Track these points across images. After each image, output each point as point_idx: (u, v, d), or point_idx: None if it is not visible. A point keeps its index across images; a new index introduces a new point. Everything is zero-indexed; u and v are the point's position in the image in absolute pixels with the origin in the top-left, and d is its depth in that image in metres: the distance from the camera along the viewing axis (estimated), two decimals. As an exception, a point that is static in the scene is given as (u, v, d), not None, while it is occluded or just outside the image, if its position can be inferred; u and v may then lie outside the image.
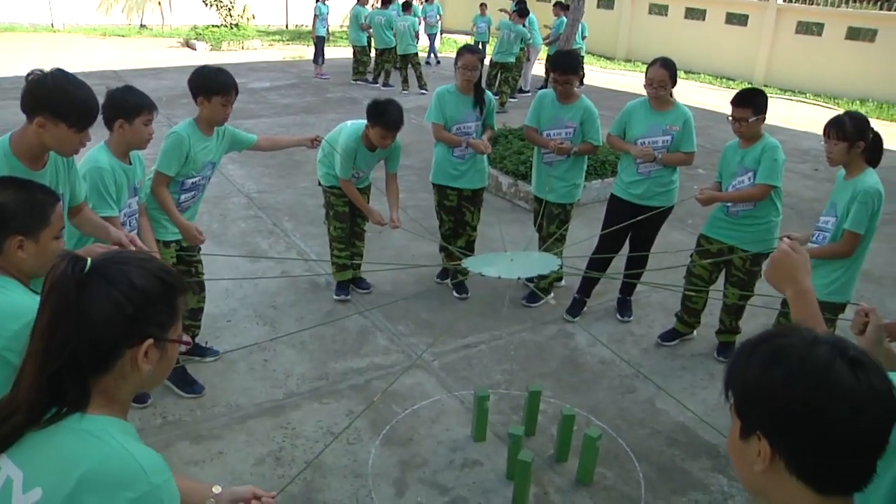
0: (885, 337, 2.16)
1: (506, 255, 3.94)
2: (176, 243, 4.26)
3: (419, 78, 14.31)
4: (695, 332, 5.22)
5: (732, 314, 4.94)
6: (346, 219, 5.41)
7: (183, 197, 4.22)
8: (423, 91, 14.05)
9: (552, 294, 5.74)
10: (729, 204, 4.67)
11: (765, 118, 4.46)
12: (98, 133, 3.64)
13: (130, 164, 3.75)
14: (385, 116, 4.88)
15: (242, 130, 4.67)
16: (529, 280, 5.67)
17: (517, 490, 3.56)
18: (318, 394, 4.41)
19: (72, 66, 2.97)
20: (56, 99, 2.73)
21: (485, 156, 5.54)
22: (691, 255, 5.01)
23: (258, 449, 3.91)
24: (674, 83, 4.89)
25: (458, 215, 5.75)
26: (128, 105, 3.61)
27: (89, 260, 1.44)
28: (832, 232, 4.01)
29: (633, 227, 4.96)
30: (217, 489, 1.83)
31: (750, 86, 15.36)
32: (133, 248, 2.96)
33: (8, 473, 1.41)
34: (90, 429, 1.40)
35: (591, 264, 5.34)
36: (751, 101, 4.40)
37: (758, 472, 1.20)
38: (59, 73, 2.79)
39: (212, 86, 4.06)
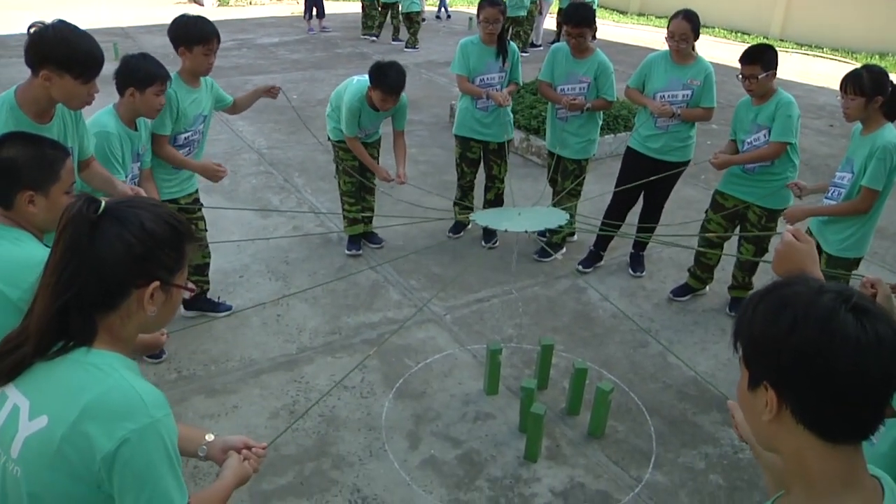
0: (894, 306, 2.15)
1: (514, 210, 3.93)
2: (173, 202, 4.23)
3: (412, 34, 14.01)
4: (707, 287, 5.20)
5: (746, 270, 4.91)
6: (356, 174, 5.39)
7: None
8: (412, 48, 13.83)
9: (564, 249, 5.72)
10: (745, 166, 4.62)
11: (775, 74, 4.38)
12: (106, 89, 3.63)
13: (136, 130, 3.73)
14: (385, 80, 4.81)
15: (251, 86, 4.63)
16: (542, 234, 5.67)
17: (529, 442, 3.59)
18: (331, 348, 4.43)
19: (77, 23, 2.92)
20: (59, 50, 2.69)
21: (509, 108, 5.50)
22: (706, 211, 4.97)
23: (272, 402, 3.95)
24: (696, 36, 4.79)
25: (485, 169, 5.77)
26: (141, 74, 3.58)
27: (103, 201, 1.49)
28: (848, 188, 3.95)
29: (648, 182, 4.92)
30: (210, 437, 1.88)
31: (766, 40, 15.11)
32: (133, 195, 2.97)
33: (15, 402, 1.49)
34: (95, 362, 1.47)
35: (606, 218, 5.35)
36: (760, 58, 4.31)
37: (766, 422, 1.20)
38: (61, 24, 2.75)
39: (192, 35, 3.98)
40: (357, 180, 5.41)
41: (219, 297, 4.82)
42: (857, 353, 1.10)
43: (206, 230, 4.52)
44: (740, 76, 4.37)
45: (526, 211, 3.89)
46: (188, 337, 4.45)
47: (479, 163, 5.75)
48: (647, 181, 4.87)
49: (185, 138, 4.17)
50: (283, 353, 4.38)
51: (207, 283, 4.68)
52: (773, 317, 1.18)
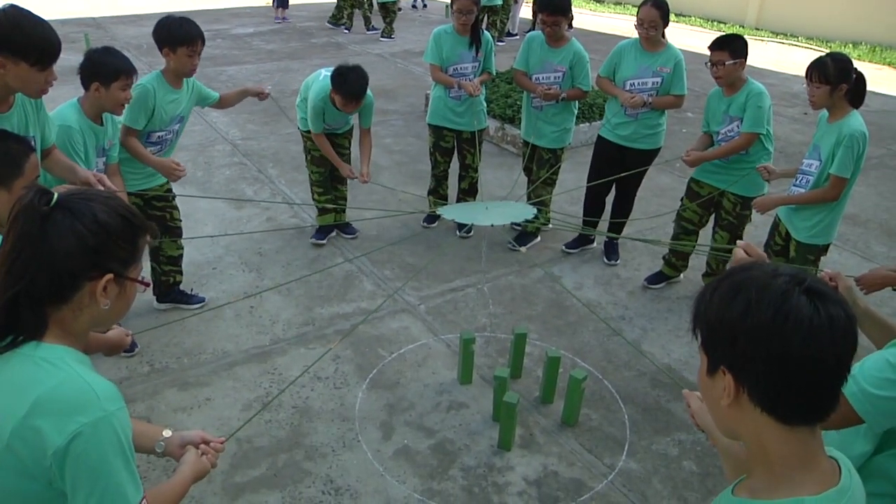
0: (856, 298, 2.17)
1: (481, 205, 3.92)
2: (141, 195, 4.19)
3: (388, 24, 13.83)
4: (682, 275, 5.22)
5: (720, 258, 4.93)
6: (325, 163, 5.35)
7: (148, 150, 4.11)
8: (388, 38, 13.72)
9: (538, 238, 5.72)
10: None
11: (744, 63, 4.38)
12: (76, 82, 3.57)
13: (102, 124, 3.67)
14: (345, 86, 4.75)
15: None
16: (516, 224, 5.67)
17: (503, 431, 3.59)
18: (304, 339, 4.41)
19: (47, 13, 2.84)
20: (12, 36, 2.60)
21: (482, 98, 5.49)
22: (682, 199, 4.98)
23: (245, 395, 3.93)
24: (666, 24, 4.80)
25: (459, 158, 5.74)
26: (105, 69, 3.50)
27: (56, 193, 1.47)
28: (816, 175, 3.96)
29: (619, 170, 4.92)
30: (167, 433, 1.86)
31: (741, 29, 15.14)
32: (101, 188, 2.92)
33: None
34: (45, 356, 1.45)
35: (585, 207, 5.44)
36: (728, 45, 4.31)
37: (725, 407, 1.22)
38: (12, 9, 2.66)
39: (176, 36, 3.92)
40: (326, 170, 5.38)
41: (192, 289, 4.78)
42: (809, 336, 1.12)
43: (180, 220, 4.48)
44: (708, 63, 4.38)
45: (493, 205, 3.87)
46: (161, 330, 4.40)
47: (453, 152, 5.73)
48: (618, 169, 4.86)
49: (159, 137, 4.12)
50: (256, 345, 4.35)
51: (181, 273, 4.64)
52: (728, 301, 1.19)
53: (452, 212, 3.83)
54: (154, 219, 4.31)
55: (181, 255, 4.59)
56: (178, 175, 4.10)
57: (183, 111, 4.20)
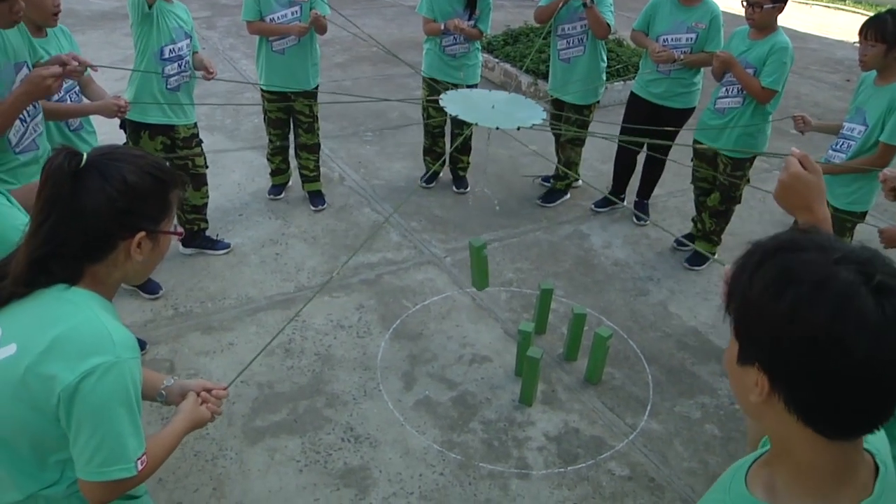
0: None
1: (488, 100, 3.60)
2: (168, 128, 4.11)
3: None
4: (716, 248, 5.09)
5: (713, 217, 4.77)
6: (282, 125, 5.15)
7: (167, 69, 3.99)
8: None
9: (567, 195, 5.61)
10: (716, 104, 4.49)
11: (783, 8, 4.17)
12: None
13: (45, 36, 3.33)
14: None
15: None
16: (545, 180, 5.59)
17: (525, 386, 3.57)
18: (328, 287, 4.38)
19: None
20: None
21: (478, 52, 5.34)
22: (692, 160, 4.85)
23: (267, 340, 3.92)
24: None
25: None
26: None
27: (85, 155, 1.47)
28: (860, 141, 3.75)
29: (650, 130, 4.79)
30: (169, 381, 1.85)
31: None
32: (75, 64, 2.83)
33: None
34: (71, 298, 1.47)
35: (615, 166, 5.34)
36: None
37: (753, 401, 1.02)
38: None
39: None
40: (283, 132, 5.19)
41: (217, 235, 4.76)
42: (872, 343, 0.90)
43: (206, 166, 4.43)
44: (744, 3, 4.17)
45: (501, 102, 3.56)
46: (185, 274, 4.42)
47: None
48: (649, 129, 4.72)
49: (171, 50, 3.97)
50: (280, 292, 4.34)
51: (205, 221, 4.62)
52: (774, 292, 0.96)
53: (455, 104, 3.45)
54: (177, 167, 4.28)
55: (206, 204, 4.55)
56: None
57: (185, 26, 4.03)
